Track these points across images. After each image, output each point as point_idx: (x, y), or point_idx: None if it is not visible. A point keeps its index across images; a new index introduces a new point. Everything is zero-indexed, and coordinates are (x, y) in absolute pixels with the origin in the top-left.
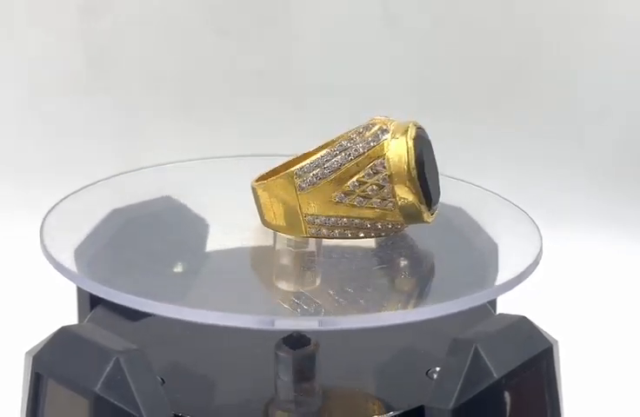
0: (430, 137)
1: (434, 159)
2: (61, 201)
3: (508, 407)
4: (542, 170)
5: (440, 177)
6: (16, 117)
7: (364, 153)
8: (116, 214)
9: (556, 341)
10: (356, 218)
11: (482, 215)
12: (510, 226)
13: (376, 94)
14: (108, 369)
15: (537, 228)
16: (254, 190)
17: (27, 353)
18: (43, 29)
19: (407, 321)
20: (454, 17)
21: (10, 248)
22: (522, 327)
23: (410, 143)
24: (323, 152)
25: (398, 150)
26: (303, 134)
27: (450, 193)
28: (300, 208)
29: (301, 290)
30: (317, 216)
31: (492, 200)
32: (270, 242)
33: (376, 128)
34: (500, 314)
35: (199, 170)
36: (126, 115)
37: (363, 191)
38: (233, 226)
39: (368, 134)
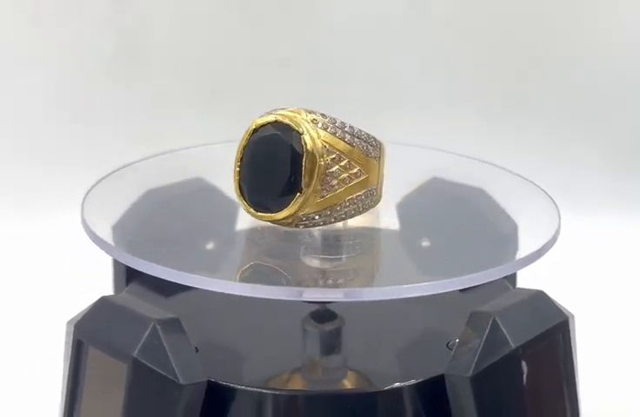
0: (454, 121)
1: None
2: (99, 181)
3: (525, 377)
4: (558, 153)
5: (461, 158)
6: (47, 103)
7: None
8: (150, 194)
9: (573, 315)
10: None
11: (501, 194)
12: (529, 204)
13: (401, 80)
14: (145, 335)
15: (556, 205)
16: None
17: (68, 322)
18: (72, 16)
19: (429, 293)
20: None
21: (47, 229)
22: (539, 301)
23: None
24: None
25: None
26: None
27: (469, 173)
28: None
29: (327, 266)
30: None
31: (511, 179)
32: None
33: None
34: (518, 288)
35: (228, 152)
36: (154, 100)
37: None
38: None
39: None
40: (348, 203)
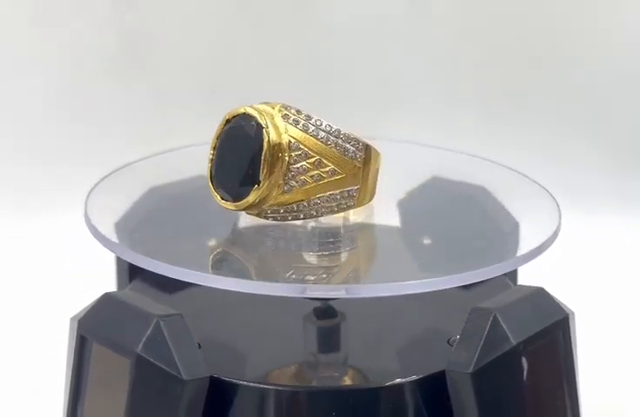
0: (454, 121)
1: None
2: (102, 179)
3: (525, 373)
4: (558, 152)
5: (462, 156)
6: (48, 103)
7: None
8: (153, 191)
9: (573, 312)
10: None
11: (502, 192)
12: (530, 202)
13: (401, 80)
14: (149, 331)
15: (556, 202)
16: None
17: (72, 318)
18: (72, 16)
19: (430, 289)
20: (481, 3)
21: (51, 227)
22: (539, 298)
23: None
24: None
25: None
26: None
27: (471, 171)
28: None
29: (329, 264)
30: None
31: (512, 177)
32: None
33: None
34: (518, 285)
35: None
36: (154, 100)
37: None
38: None
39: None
40: (319, 201)
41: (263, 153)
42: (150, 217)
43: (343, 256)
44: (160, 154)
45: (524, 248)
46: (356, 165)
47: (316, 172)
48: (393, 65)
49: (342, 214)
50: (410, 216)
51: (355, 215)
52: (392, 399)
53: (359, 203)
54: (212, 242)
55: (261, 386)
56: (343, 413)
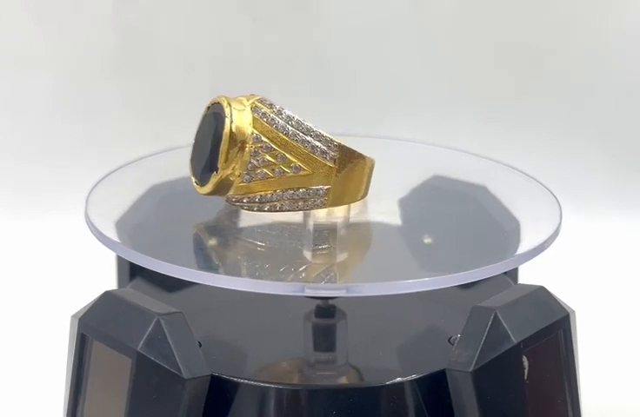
0: (454, 121)
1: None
2: (104, 177)
3: (526, 372)
4: (559, 152)
5: (463, 155)
6: (49, 101)
7: None
8: (154, 190)
9: (574, 311)
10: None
11: (503, 191)
12: (531, 201)
13: (401, 80)
14: (149, 330)
15: (557, 201)
16: None
17: (72, 316)
18: (73, 14)
19: (430, 288)
20: (481, 3)
21: (51, 226)
22: (540, 296)
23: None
24: None
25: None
26: (329, 118)
27: (471, 170)
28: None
29: (329, 262)
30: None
31: (513, 176)
32: (299, 217)
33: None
34: (519, 284)
35: None
36: (155, 99)
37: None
38: None
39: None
40: (283, 195)
41: (222, 141)
42: (151, 216)
43: (343, 255)
44: (160, 152)
45: (525, 246)
46: (326, 164)
47: (279, 166)
48: (394, 65)
49: (342, 213)
50: (410, 215)
51: (345, 213)
52: (393, 398)
53: (331, 204)
54: (212, 241)
55: (261, 384)
56: (343, 412)
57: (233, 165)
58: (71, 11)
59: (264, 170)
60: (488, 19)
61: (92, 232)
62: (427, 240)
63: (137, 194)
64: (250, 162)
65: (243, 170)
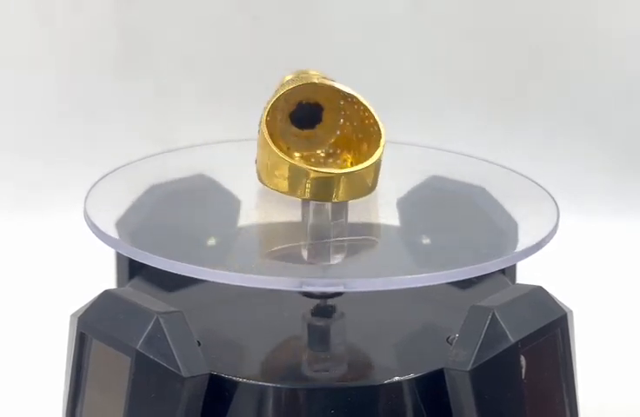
0: (453, 121)
1: None
2: (104, 177)
3: (523, 371)
4: (560, 151)
5: (461, 156)
6: (51, 101)
7: None
8: (154, 189)
9: (571, 311)
10: None
11: (501, 191)
12: (529, 201)
13: (402, 80)
14: (149, 328)
15: (555, 202)
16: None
17: (72, 315)
18: (75, 15)
19: (427, 284)
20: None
21: (51, 225)
22: (538, 296)
23: None
24: None
25: None
26: None
27: (470, 171)
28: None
29: (327, 261)
30: None
31: (511, 177)
32: (297, 217)
33: None
34: (517, 284)
35: (229, 151)
36: (155, 100)
37: None
38: (263, 201)
39: None
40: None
41: None
42: (150, 215)
43: (342, 254)
44: (161, 152)
45: (522, 244)
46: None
47: None
48: (393, 65)
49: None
50: (409, 215)
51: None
52: (391, 397)
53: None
54: (211, 239)
55: (260, 383)
56: (341, 411)
57: None
58: (72, 11)
59: None
60: (488, 19)
61: (92, 230)
62: (425, 239)
63: (137, 193)
64: None
65: None
